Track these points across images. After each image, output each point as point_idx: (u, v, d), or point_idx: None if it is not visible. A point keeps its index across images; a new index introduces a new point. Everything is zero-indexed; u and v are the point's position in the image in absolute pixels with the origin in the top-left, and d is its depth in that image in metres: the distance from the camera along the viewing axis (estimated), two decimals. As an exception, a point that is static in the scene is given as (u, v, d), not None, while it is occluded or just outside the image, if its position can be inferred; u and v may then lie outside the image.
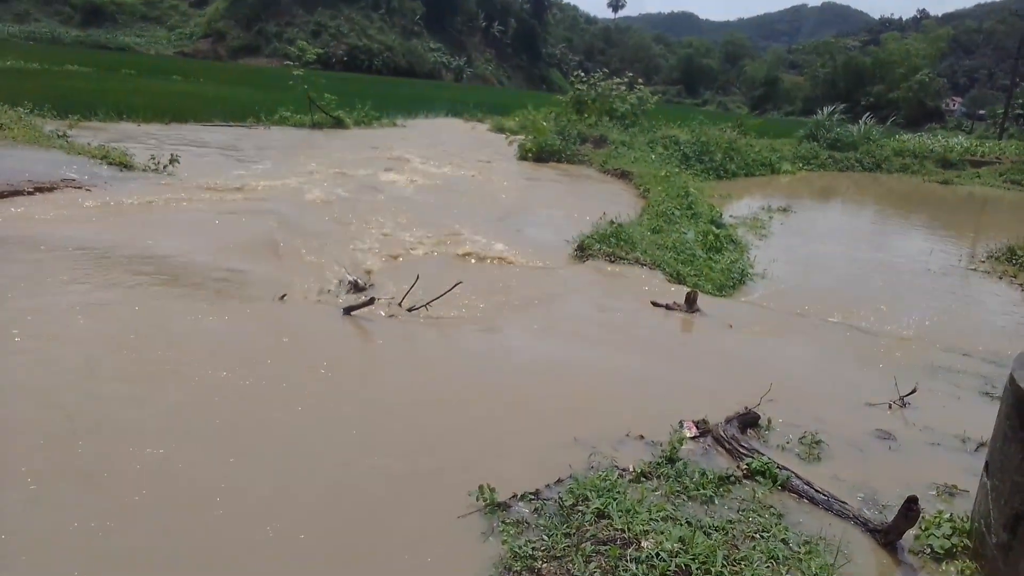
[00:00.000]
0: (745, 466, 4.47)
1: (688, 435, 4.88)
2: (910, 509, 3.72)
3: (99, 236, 8.38)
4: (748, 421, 5.13)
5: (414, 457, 4.41)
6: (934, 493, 4.50)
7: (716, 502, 4.11)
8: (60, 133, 14.77)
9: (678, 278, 9.81)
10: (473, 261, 9.58)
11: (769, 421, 5.21)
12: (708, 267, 10.57)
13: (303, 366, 5.55)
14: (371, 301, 6.70)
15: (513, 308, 7.63)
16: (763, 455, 4.57)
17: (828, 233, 16.59)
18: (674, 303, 8.03)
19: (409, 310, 6.95)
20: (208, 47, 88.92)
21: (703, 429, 4.99)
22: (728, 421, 5.02)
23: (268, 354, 5.70)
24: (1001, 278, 12.29)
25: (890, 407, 5.78)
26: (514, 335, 6.86)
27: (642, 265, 9.89)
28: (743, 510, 4.04)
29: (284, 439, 4.48)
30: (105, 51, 68.85)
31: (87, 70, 36.23)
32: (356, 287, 7.52)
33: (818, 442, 4.96)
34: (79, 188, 10.88)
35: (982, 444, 5.16)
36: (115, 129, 18.39)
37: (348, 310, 6.63)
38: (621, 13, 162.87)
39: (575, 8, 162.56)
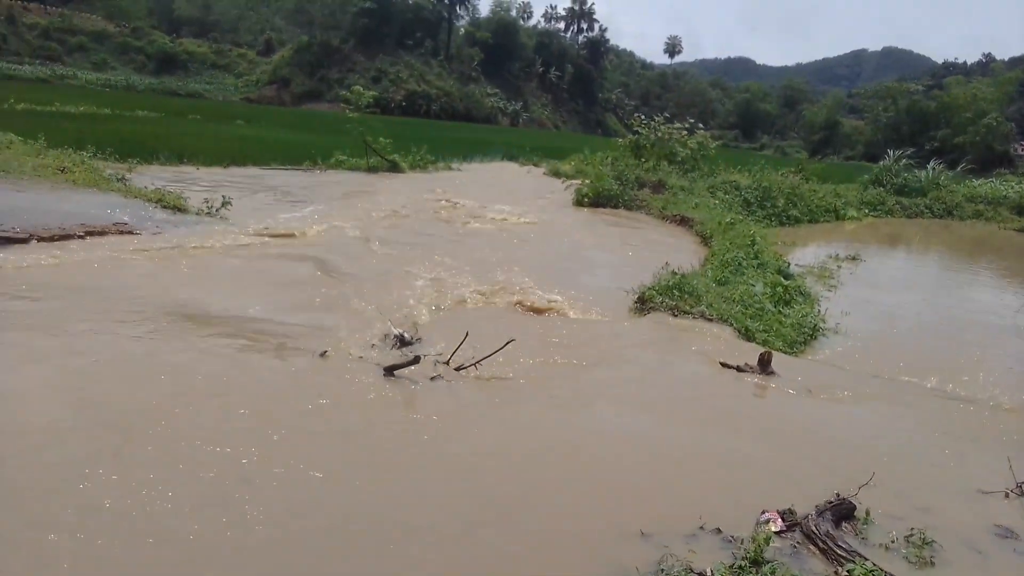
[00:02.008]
0: (846, 573, 3.78)
1: (773, 529, 4.22)
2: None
3: (138, 284, 8.15)
4: (842, 512, 4.44)
5: (449, 559, 3.84)
6: (1078, 614, 3.75)
7: (814, 621, 3.44)
8: (119, 176, 14.86)
9: (747, 334, 9.11)
10: (527, 312, 9.06)
11: (867, 512, 4.49)
12: (778, 322, 9.85)
13: (332, 438, 5.03)
14: (415, 360, 6.21)
15: (569, 369, 7.04)
16: (865, 559, 3.88)
17: (901, 283, 15.64)
18: (746, 364, 7.35)
19: (457, 369, 6.43)
20: (273, 93, 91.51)
21: (790, 522, 4.31)
22: (820, 513, 4.34)
23: (297, 423, 5.19)
24: (1101, 337, 11.24)
25: (1007, 496, 5.00)
26: (570, 402, 6.26)
27: (708, 319, 9.21)
28: (848, 634, 3.36)
29: (298, 538, 3.95)
30: (176, 97, 71.37)
31: (156, 115, 37.31)
32: (402, 341, 7.04)
33: (929, 542, 4.23)
34: (130, 232, 10.77)
35: (1125, 548, 4.37)
36: (174, 172, 18.56)
37: (389, 370, 6.14)
38: (677, 59, 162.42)
39: (631, 54, 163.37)
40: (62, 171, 14.25)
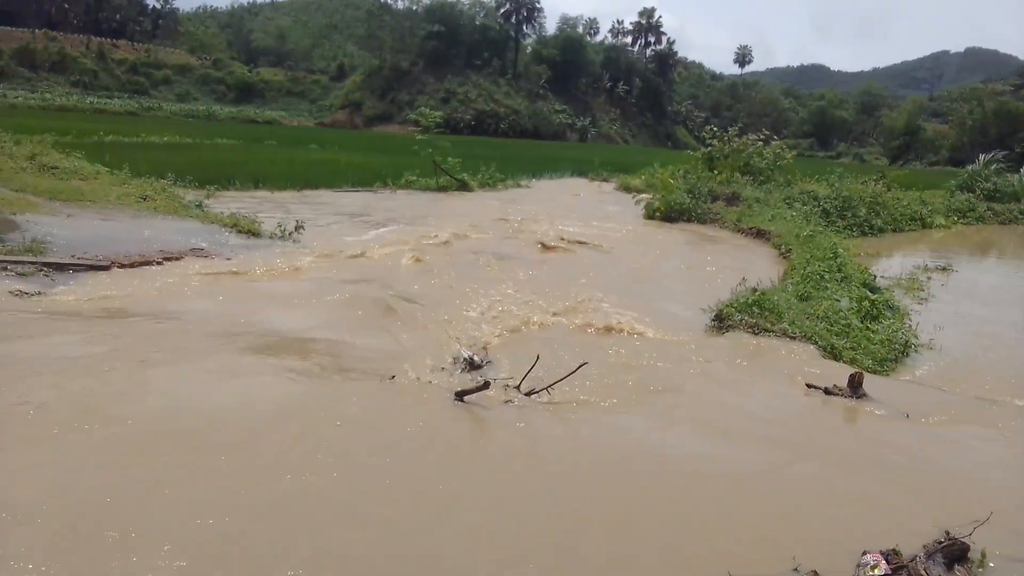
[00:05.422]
0: (963, 626, 3.39)
1: (878, 573, 3.83)
2: None
3: (209, 308, 8.24)
4: (955, 554, 4.02)
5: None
6: None
7: None
8: (198, 203, 15.26)
9: (832, 352, 8.60)
10: (599, 334, 8.78)
11: (983, 554, 4.06)
12: (866, 338, 9.28)
13: (402, 470, 4.85)
14: (486, 385, 6.01)
15: (645, 392, 6.74)
16: (985, 610, 3.48)
17: (999, 295, 14.65)
18: (835, 386, 6.90)
19: (527, 394, 6.21)
20: (345, 117, 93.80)
21: (895, 564, 3.92)
22: (929, 555, 3.94)
23: (362, 452, 5.06)
24: None
25: None
26: (646, 429, 5.95)
27: (790, 338, 8.75)
28: None
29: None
30: (253, 125, 73.75)
31: (234, 142, 38.49)
32: (471, 364, 6.87)
33: (1057, 590, 3.80)
34: (206, 257, 10.98)
35: None
36: (250, 197, 19.00)
37: (460, 395, 5.96)
38: (748, 68, 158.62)
39: (700, 65, 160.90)
40: (144, 199, 14.72)
